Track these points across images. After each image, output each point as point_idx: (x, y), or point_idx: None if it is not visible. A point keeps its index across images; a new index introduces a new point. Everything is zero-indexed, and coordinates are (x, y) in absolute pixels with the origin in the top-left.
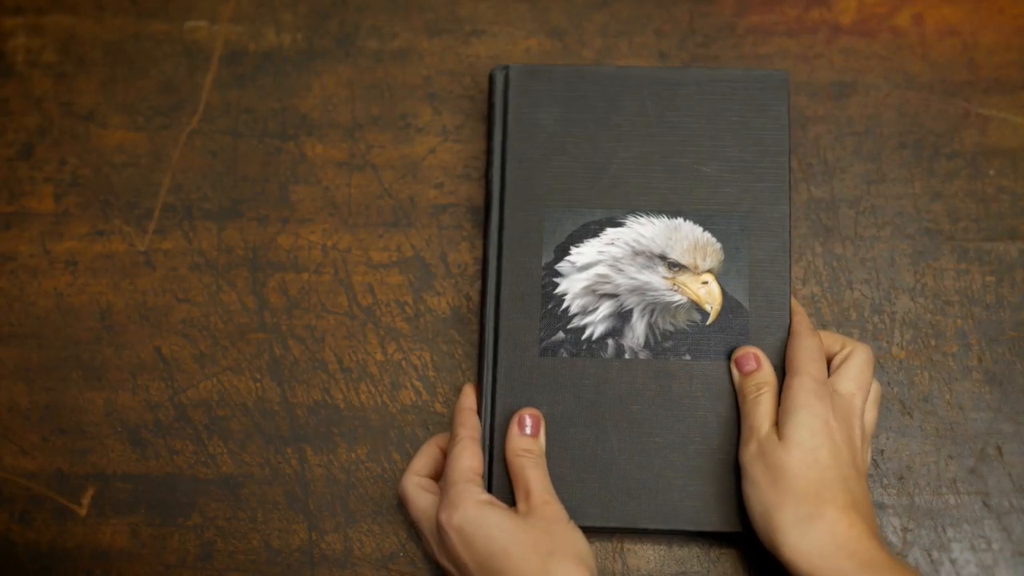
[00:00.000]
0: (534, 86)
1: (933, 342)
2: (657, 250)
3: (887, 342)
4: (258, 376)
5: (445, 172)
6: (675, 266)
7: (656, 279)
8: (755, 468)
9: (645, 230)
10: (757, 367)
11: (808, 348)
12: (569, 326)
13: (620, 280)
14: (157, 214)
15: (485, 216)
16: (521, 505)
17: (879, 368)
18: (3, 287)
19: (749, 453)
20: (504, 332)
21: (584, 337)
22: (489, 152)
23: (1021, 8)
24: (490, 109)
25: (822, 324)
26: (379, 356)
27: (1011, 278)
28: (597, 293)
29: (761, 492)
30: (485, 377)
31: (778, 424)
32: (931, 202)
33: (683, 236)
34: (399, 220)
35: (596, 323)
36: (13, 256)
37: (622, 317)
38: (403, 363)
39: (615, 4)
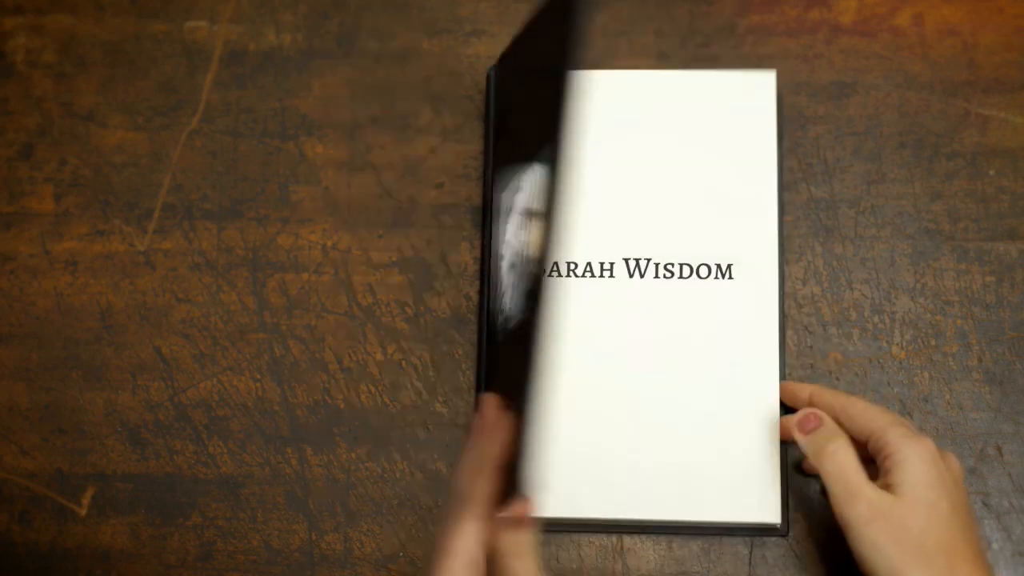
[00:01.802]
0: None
1: (933, 342)
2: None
3: (887, 342)
4: (258, 376)
5: (445, 172)
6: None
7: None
8: (872, 529)
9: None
10: (819, 423)
11: (869, 403)
12: None
13: None
14: (157, 214)
15: (484, 216)
16: None
17: (879, 368)
18: (3, 287)
19: (858, 515)
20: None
21: None
22: (487, 152)
23: (1021, 8)
24: (487, 108)
25: (822, 324)
26: (379, 356)
27: (1011, 278)
28: None
29: (885, 555)
30: (484, 377)
31: (882, 473)
32: (931, 202)
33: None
34: (399, 220)
35: None
36: (13, 256)
37: None
38: (403, 363)
39: (615, 4)
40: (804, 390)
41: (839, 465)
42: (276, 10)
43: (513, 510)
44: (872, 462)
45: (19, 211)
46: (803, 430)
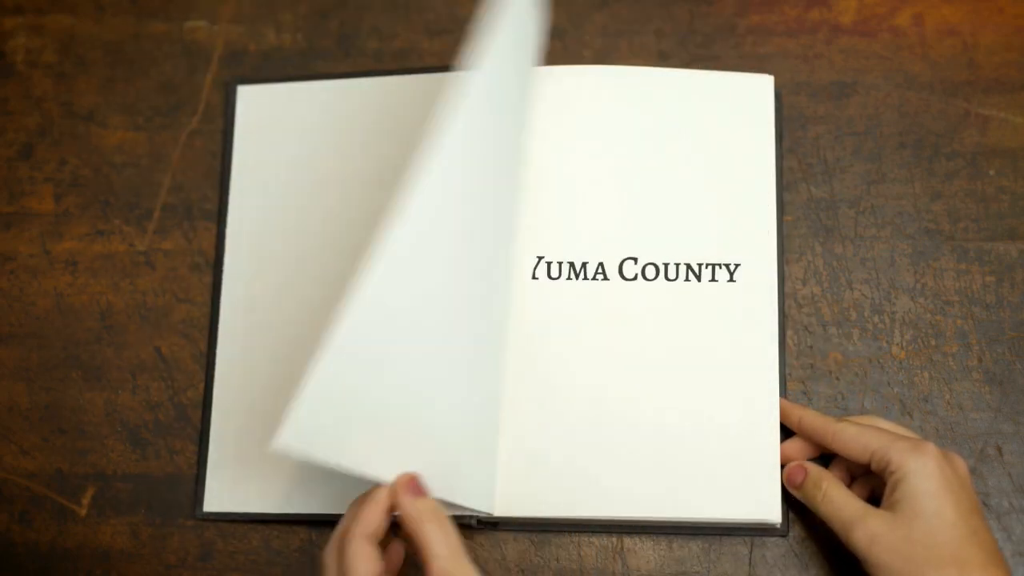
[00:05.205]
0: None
1: (933, 342)
2: None
3: (887, 342)
4: None
5: None
6: None
7: None
8: (876, 551)
9: None
10: (804, 474)
11: (859, 426)
12: None
13: None
14: (157, 214)
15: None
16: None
17: (879, 368)
18: (3, 287)
19: (859, 541)
20: None
21: None
22: None
23: (1021, 8)
24: None
25: (822, 324)
26: None
27: (1011, 278)
28: None
29: (895, 574)
30: None
31: (887, 491)
32: (931, 202)
33: None
34: None
35: None
36: (13, 256)
37: None
38: None
39: (615, 4)
40: (795, 413)
41: (832, 504)
42: (276, 10)
43: (403, 480)
44: (869, 472)
45: (19, 211)
46: (792, 485)
